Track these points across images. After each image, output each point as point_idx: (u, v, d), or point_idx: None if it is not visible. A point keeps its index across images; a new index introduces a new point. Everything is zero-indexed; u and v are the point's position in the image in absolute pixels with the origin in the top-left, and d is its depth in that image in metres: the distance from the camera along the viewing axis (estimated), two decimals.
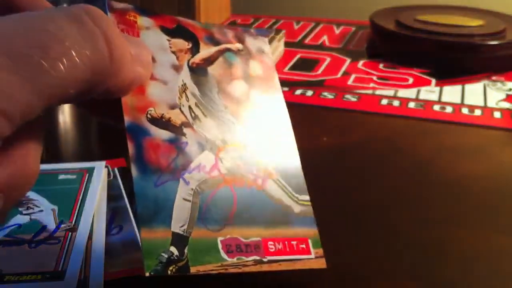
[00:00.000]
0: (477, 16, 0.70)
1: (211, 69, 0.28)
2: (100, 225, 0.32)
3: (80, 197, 0.35)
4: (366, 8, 0.76)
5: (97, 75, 0.20)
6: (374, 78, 0.61)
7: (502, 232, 0.34)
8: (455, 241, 0.33)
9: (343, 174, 0.41)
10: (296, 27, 0.79)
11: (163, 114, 0.25)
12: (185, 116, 0.26)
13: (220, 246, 0.25)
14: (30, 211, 0.34)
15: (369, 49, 0.71)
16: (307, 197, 0.28)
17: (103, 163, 0.40)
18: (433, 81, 0.61)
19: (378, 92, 0.57)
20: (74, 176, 0.38)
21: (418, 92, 0.58)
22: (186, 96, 0.26)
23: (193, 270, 0.24)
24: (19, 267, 0.29)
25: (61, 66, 0.19)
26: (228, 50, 0.29)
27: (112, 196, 0.36)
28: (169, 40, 0.27)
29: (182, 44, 0.28)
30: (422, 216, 0.35)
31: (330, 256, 0.27)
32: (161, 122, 0.25)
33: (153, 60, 0.25)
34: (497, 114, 0.52)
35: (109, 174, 0.38)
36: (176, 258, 0.24)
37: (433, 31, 0.65)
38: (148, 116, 0.25)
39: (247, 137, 0.27)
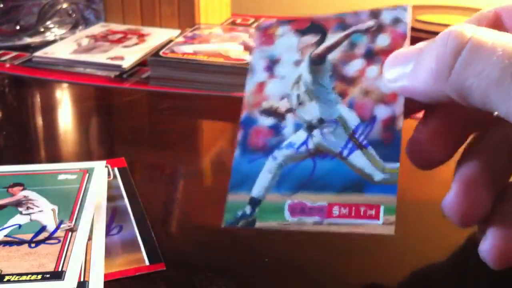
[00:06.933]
0: None
1: (331, 56, 0.31)
2: (100, 225, 0.32)
3: (80, 197, 0.35)
4: (367, 8, 0.76)
5: None
6: None
7: None
8: (454, 240, 0.33)
9: None
10: None
11: (272, 105, 0.31)
12: (291, 104, 0.30)
13: (286, 207, 0.28)
14: (30, 211, 0.34)
15: None
16: (396, 165, 0.28)
17: (103, 163, 0.40)
18: None
19: None
20: (74, 176, 0.38)
21: None
22: (298, 86, 0.31)
23: (257, 225, 0.28)
24: (19, 267, 0.29)
25: None
26: (356, 32, 0.31)
27: (112, 196, 0.36)
28: (298, 40, 0.32)
29: (309, 40, 0.31)
30: (421, 216, 0.35)
31: None
32: (269, 112, 0.31)
33: (278, 61, 0.32)
34: None
35: (109, 174, 0.38)
36: (248, 215, 0.28)
37: (433, 31, 0.65)
38: (261, 108, 0.31)
39: (346, 113, 0.30)
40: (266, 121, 0.30)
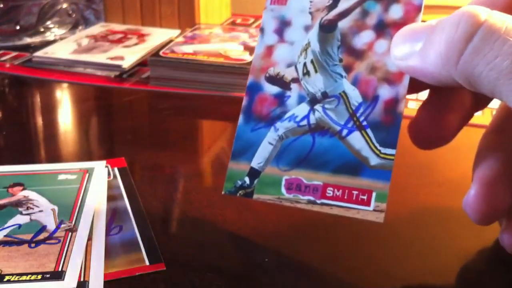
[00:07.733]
0: None
1: (341, 23, 0.30)
2: (100, 225, 0.32)
3: (80, 197, 0.35)
4: None
5: None
6: None
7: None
8: (454, 239, 0.33)
9: None
10: None
11: (279, 72, 0.31)
12: (297, 72, 0.30)
13: (283, 183, 0.29)
14: (30, 211, 0.34)
15: None
16: (392, 151, 0.28)
17: (103, 163, 0.40)
18: None
19: None
20: (74, 176, 0.38)
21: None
22: (306, 53, 0.30)
23: (255, 196, 0.30)
24: (19, 267, 0.29)
25: None
26: None
27: (112, 196, 0.36)
28: (311, 1, 0.31)
29: (322, 2, 0.31)
30: (421, 216, 0.35)
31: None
32: (275, 79, 0.31)
33: (288, 24, 0.31)
34: None
35: (109, 174, 0.38)
36: (246, 186, 0.30)
37: None
38: (267, 75, 0.31)
39: (349, 90, 0.29)
40: (272, 89, 0.31)
